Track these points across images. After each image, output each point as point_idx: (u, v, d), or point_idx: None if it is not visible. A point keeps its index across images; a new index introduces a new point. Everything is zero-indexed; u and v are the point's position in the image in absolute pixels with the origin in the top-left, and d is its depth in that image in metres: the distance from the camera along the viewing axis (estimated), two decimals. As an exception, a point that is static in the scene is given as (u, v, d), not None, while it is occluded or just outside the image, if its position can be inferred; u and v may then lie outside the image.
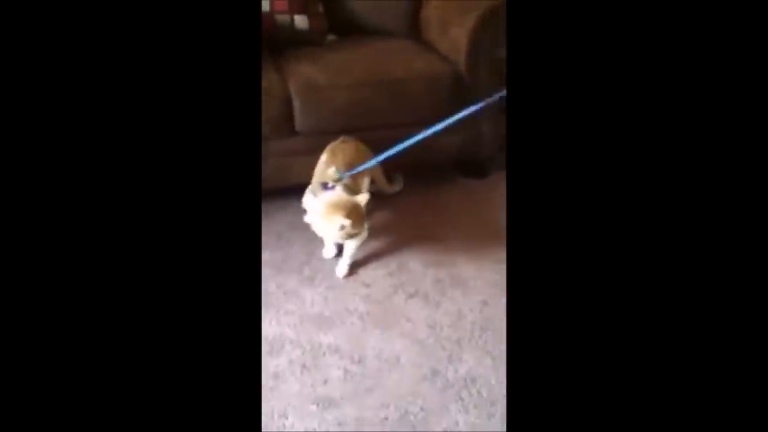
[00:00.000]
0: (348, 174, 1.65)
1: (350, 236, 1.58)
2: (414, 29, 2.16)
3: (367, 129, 1.88)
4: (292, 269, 1.73)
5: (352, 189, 1.65)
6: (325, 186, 1.62)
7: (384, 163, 1.84)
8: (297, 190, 1.76)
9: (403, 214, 1.97)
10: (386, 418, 1.29)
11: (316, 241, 1.80)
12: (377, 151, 1.83)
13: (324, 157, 1.73)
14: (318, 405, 1.32)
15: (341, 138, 1.77)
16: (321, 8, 2.06)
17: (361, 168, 1.67)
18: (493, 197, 2.07)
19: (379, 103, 1.88)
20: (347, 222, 1.51)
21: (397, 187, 2.01)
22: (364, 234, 1.63)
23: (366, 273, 1.72)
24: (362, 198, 1.57)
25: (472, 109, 1.62)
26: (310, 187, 1.69)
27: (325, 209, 1.54)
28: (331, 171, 1.65)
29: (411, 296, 1.64)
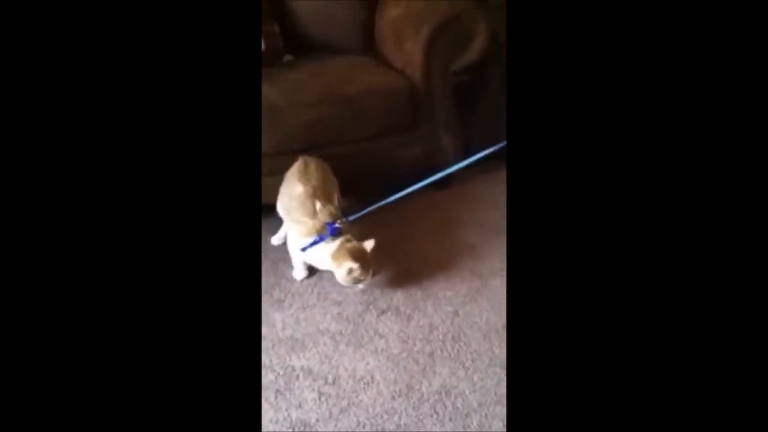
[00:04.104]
0: (354, 217, 1.72)
1: (357, 281, 1.64)
2: (369, 44, 2.17)
3: (327, 146, 1.89)
4: (261, 292, 1.71)
5: (335, 215, 1.70)
6: (331, 226, 1.65)
7: (348, 176, 1.87)
8: (263, 210, 1.74)
9: (368, 228, 1.96)
10: (363, 438, 1.29)
11: (284, 263, 1.79)
12: (338, 167, 1.84)
13: (300, 189, 1.71)
14: (293, 430, 1.31)
15: (301, 160, 1.77)
16: (276, 28, 2.06)
17: (368, 210, 1.73)
18: (456, 209, 2.09)
19: (338, 120, 1.89)
20: (356, 266, 1.60)
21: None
22: (369, 278, 1.67)
23: (336, 291, 1.71)
24: (369, 244, 1.65)
25: (472, 159, 1.67)
26: (300, 227, 1.68)
27: (332, 256, 1.62)
28: (319, 207, 1.68)
29: (383, 312, 1.64)
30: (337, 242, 1.64)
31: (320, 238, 1.65)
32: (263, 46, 2.00)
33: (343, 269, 1.61)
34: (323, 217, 1.67)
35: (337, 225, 1.66)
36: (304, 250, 1.68)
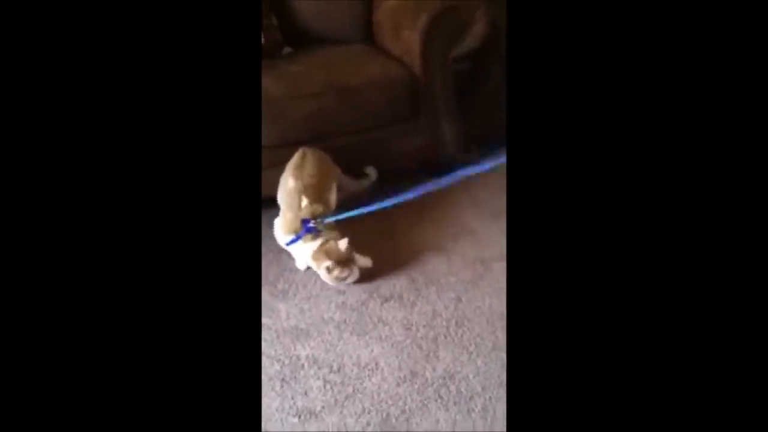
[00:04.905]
0: (331, 219, 1.72)
1: (340, 280, 1.66)
2: (367, 34, 2.18)
3: (328, 137, 1.90)
4: (265, 282, 1.73)
5: (316, 213, 1.71)
6: (306, 224, 1.67)
7: (349, 167, 1.89)
8: (265, 202, 1.76)
9: (370, 217, 1.97)
10: (368, 424, 1.30)
11: (287, 254, 1.80)
12: (339, 157, 1.85)
13: (291, 183, 1.74)
14: (299, 417, 1.33)
15: (300, 151, 1.79)
16: (275, 21, 2.06)
17: (351, 214, 1.74)
18: (458, 195, 2.09)
19: (339, 112, 1.90)
20: (331, 263, 1.63)
21: (372, 177, 2.01)
22: (356, 273, 1.68)
23: (340, 280, 1.73)
24: (342, 243, 1.65)
25: (475, 169, 1.69)
26: (283, 221, 1.72)
27: (312, 256, 1.66)
28: (305, 204, 1.70)
29: (386, 300, 1.65)
30: (317, 242, 1.66)
31: (297, 237, 1.68)
32: (262, 39, 2.01)
33: (322, 269, 1.64)
34: (303, 214, 1.69)
35: (311, 225, 1.67)
36: (288, 245, 1.72)
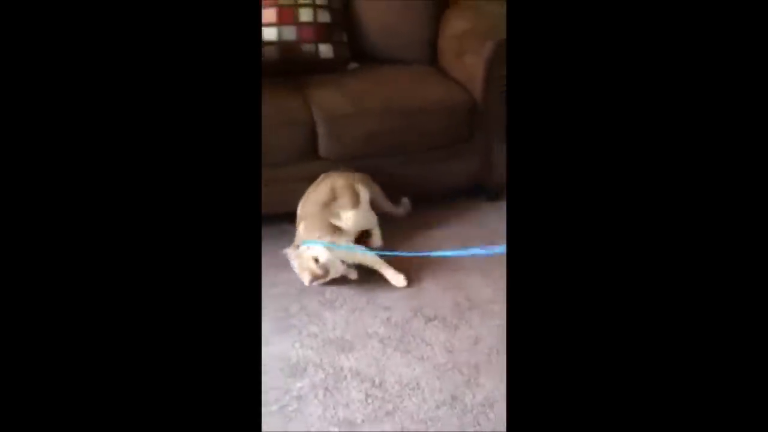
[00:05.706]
0: (323, 244, 1.76)
1: (324, 278, 1.74)
2: (431, 56, 2.22)
3: (385, 155, 1.96)
4: (313, 291, 1.78)
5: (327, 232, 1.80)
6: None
7: (390, 187, 1.96)
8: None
9: (417, 237, 2.02)
10: (406, 442, 1.34)
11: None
12: (390, 176, 1.94)
13: (299, 210, 1.87)
14: (339, 428, 1.37)
15: (320, 178, 1.88)
16: (345, 37, 2.12)
17: (340, 247, 1.78)
18: (504, 220, 2.11)
19: (398, 131, 1.95)
20: (306, 274, 1.72)
21: (402, 209, 2.06)
22: (331, 273, 1.75)
23: (385, 296, 1.77)
24: (291, 253, 1.78)
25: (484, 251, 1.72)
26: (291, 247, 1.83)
27: (297, 268, 1.76)
28: (301, 228, 1.82)
29: (429, 320, 1.69)
30: (295, 256, 1.76)
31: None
32: (332, 53, 2.07)
33: (306, 279, 1.72)
34: (297, 239, 1.81)
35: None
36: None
